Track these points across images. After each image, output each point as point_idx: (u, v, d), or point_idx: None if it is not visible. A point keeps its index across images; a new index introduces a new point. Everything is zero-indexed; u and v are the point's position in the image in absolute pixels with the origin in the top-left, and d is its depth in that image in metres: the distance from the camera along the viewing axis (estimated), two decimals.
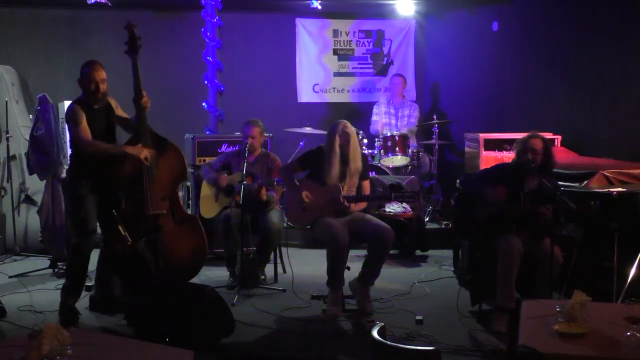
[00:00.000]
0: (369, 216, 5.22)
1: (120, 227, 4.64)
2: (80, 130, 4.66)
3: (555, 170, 5.16)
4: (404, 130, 7.63)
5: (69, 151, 4.99)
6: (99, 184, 4.76)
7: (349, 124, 5.13)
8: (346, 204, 4.98)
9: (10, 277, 5.89)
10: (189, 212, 6.42)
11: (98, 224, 4.87)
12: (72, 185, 4.82)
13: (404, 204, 6.65)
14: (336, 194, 5.03)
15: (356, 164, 5.11)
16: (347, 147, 5.06)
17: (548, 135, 6.41)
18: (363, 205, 5.22)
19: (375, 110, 8.07)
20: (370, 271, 5.00)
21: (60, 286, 4.90)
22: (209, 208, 5.91)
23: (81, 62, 4.55)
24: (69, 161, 5.07)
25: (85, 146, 4.67)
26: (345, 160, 5.10)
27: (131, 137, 4.89)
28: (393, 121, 7.95)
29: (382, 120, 7.94)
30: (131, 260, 4.68)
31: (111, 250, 4.78)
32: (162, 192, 4.85)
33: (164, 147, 4.91)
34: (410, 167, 7.53)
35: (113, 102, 4.91)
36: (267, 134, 6.54)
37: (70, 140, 4.88)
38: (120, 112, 4.96)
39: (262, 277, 5.70)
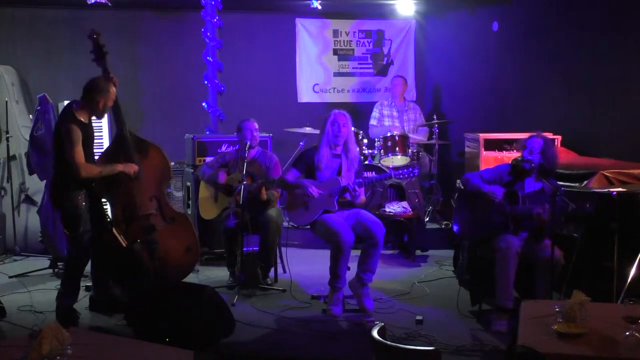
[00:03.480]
0: (360, 211, 5.22)
1: (114, 231, 4.65)
2: (77, 152, 4.60)
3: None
4: (412, 135, 7.64)
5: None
6: (89, 191, 4.74)
7: (344, 112, 5.15)
8: (354, 189, 4.99)
9: (10, 277, 5.90)
10: (189, 212, 6.43)
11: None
12: (64, 199, 4.72)
13: (404, 204, 6.65)
14: (335, 185, 5.04)
15: (353, 153, 5.12)
16: (343, 128, 5.07)
17: (548, 136, 6.43)
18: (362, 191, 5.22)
19: (374, 113, 8.03)
20: (366, 267, 5.02)
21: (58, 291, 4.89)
22: (208, 209, 5.91)
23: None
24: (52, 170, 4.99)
25: (79, 170, 4.60)
26: (339, 154, 5.10)
27: (113, 140, 4.90)
28: (397, 123, 7.92)
29: (384, 122, 7.93)
30: (128, 262, 4.69)
31: (106, 254, 4.77)
32: (149, 193, 4.88)
33: (145, 148, 4.94)
34: (410, 167, 7.51)
35: None
36: (267, 134, 6.56)
37: (58, 154, 4.73)
38: None
39: (268, 281, 5.71)
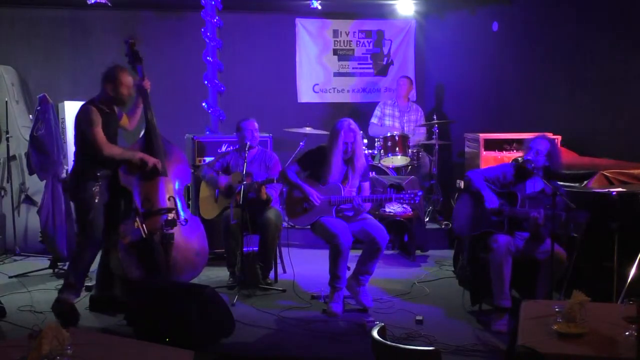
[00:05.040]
0: (364, 215, 5.22)
1: (137, 220, 4.70)
2: (97, 132, 4.71)
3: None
4: (411, 136, 7.64)
5: (73, 149, 5.00)
6: (110, 181, 4.82)
7: (353, 122, 5.14)
8: (359, 205, 5.01)
9: (10, 277, 5.90)
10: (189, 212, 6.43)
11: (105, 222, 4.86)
12: (80, 188, 4.79)
13: (404, 204, 6.65)
14: (336, 192, 5.06)
15: (360, 162, 5.12)
16: (352, 145, 5.06)
17: (548, 135, 6.42)
18: (368, 205, 5.23)
19: (376, 112, 8.04)
20: (365, 269, 5.05)
21: (61, 286, 4.89)
22: (208, 209, 5.90)
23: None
24: (72, 161, 5.10)
25: (101, 148, 4.71)
26: (348, 160, 5.12)
27: (142, 136, 5.05)
28: (397, 124, 7.93)
29: (384, 121, 7.94)
30: (145, 253, 4.74)
31: (126, 244, 4.80)
32: (169, 192, 5.00)
33: (170, 150, 5.11)
34: (410, 167, 7.53)
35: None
36: (267, 134, 6.56)
37: (79, 141, 4.87)
38: (123, 117, 5.12)
39: (268, 281, 5.72)
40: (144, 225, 4.74)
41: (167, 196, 4.98)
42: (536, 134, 4.85)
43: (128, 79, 4.86)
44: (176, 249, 4.87)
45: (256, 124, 5.85)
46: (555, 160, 4.70)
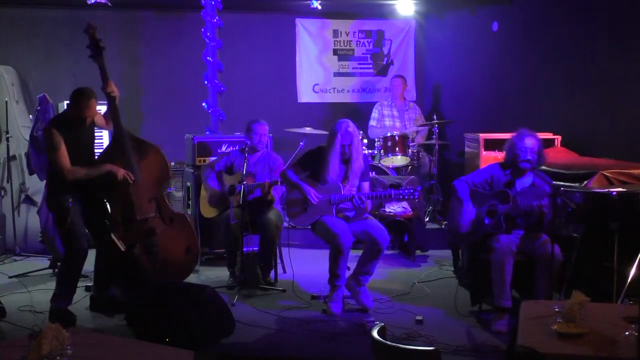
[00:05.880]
0: (365, 215, 5.23)
1: (113, 236, 4.64)
2: (59, 156, 4.58)
3: (555, 170, 5.17)
4: (414, 135, 7.64)
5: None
6: (83, 195, 4.74)
7: (351, 123, 5.14)
8: (361, 201, 4.99)
9: (10, 277, 5.90)
10: (189, 212, 6.42)
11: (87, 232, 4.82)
12: (54, 202, 4.75)
13: (404, 204, 6.66)
14: (336, 191, 5.06)
15: (358, 164, 5.13)
16: (349, 147, 5.07)
17: (548, 136, 6.43)
18: (369, 205, 5.22)
19: (374, 114, 8.03)
20: (365, 270, 5.06)
21: (51, 296, 4.86)
22: (209, 208, 5.90)
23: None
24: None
25: (65, 174, 4.61)
26: (346, 160, 5.12)
27: (110, 141, 4.92)
28: (397, 123, 7.93)
29: (384, 123, 7.94)
30: (127, 265, 4.69)
31: (105, 258, 4.76)
32: (148, 195, 4.87)
33: (143, 149, 4.92)
34: (410, 167, 7.53)
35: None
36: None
37: (48, 158, 4.79)
38: (99, 117, 4.95)
39: (271, 280, 5.71)
40: (120, 241, 4.66)
41: (147, 199, 4.86)
42: (518, 131, 4.83)
43: (88, 105, 4.63)
44: (164, 251, 4.81)
45: (267, 128, 5.84)
46: (544, 155, 4.78)
